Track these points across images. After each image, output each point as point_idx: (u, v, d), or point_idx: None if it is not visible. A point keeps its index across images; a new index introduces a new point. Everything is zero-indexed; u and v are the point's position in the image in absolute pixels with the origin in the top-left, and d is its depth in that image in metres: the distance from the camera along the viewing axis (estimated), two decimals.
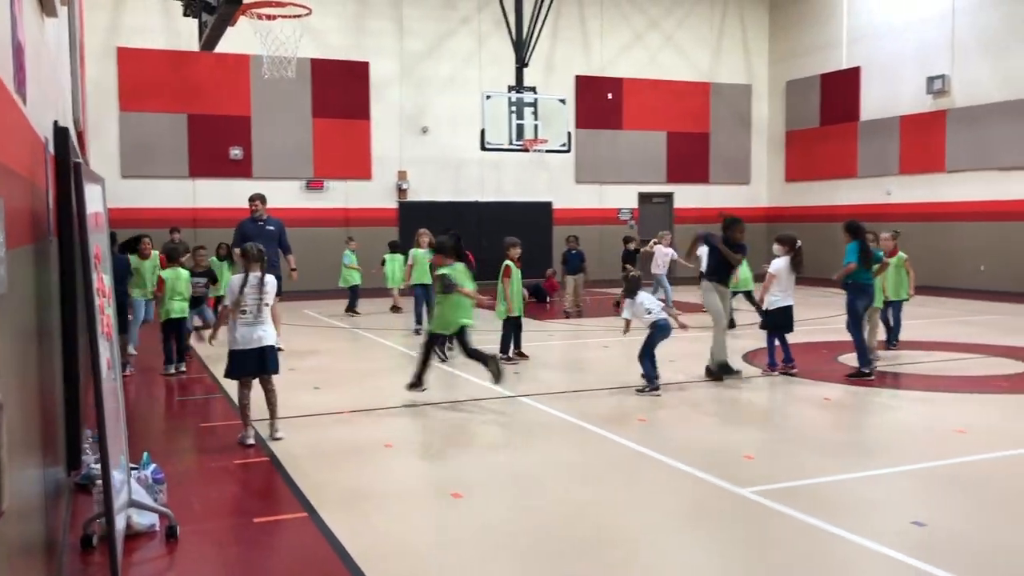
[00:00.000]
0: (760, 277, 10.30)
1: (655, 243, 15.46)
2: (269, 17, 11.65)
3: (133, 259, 10.75)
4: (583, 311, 15.50)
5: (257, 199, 11.36)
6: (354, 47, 21.52)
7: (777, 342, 9.52)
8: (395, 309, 16.39)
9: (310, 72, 20.77)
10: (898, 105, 21.54)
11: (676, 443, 6.73)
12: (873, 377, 9.26)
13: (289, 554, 4.67)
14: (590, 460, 6.38)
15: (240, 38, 17.04)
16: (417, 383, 8.36)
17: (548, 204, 23.35)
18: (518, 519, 5.14)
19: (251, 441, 6.72)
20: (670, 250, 15.35)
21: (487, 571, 4.37)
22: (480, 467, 6.24)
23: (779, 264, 9.37)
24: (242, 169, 20.55)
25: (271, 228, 11.20)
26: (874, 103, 22.25)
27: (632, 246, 15.78)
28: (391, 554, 4.58)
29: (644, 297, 8.78)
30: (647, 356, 8.54)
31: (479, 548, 4.65)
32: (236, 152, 20.47)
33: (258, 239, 9.97)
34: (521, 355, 10.72)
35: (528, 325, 13.99)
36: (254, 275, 6.71)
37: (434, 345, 8.81)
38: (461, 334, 8.50)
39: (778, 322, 9.43)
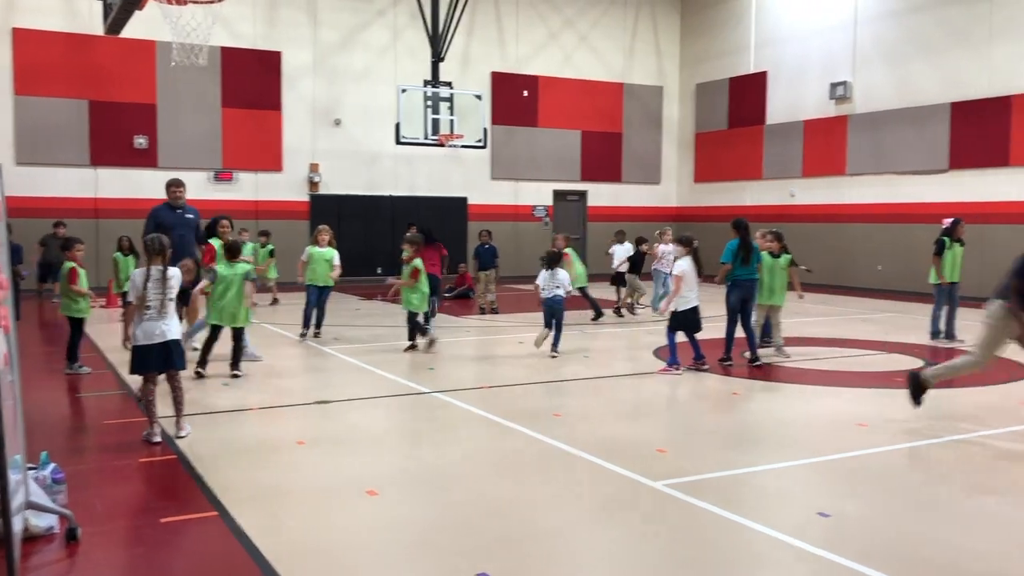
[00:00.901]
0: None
1: (657, 243, 15.30)
2: (179, 2, 11.26)
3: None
4: (497, 307, 15.53)
5: (178, 186, 10.44)
6: (266, 36, 21.07)
7: (684, 339, 9.70)
8: (275, 302, 16.66)
9: (220, 61, 20.25)
10: (802, 110, 22.26)
11: (591, 437, 6.80)
12: (732, 365, 9.82)
13: (198, 555, 4.53)
14: (506, 456, 6.39)
15: (147, 23, 16.53)
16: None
17: (463, 200, 23.32)
18: (434, 515, 5.11)
19: (157, 439, 6.51)
20: (671, 246, 15.00)
21: (402, 568, 4.34)
22: (395, 464, 6.18)
23: (684, 265, 9.55)
24: (147, 159, 19.91)
25: (190, 216, 10.37)
26: (779, 107, 22.94)
27: (644, 248, 15.26)
28: (305, 552, 4.50)
29: (545, 276, 10.67)
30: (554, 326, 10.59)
31: (394, 545, 4.60)
32: (141, 141, 19.80)
33: (177, 228, 9.59)
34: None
35: (444, 321, 13.96)
36: (156, 268, 6.48)
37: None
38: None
39: (688, 322, 9.63)
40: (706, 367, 9.60)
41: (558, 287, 10.59)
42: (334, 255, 11.74)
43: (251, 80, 20.80)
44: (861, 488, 5.61)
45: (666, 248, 14.75)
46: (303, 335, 11.79)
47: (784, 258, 10.75)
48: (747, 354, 10.01)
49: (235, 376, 9.06)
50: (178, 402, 6.73)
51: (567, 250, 12.98)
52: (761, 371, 9.81)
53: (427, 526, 4.91)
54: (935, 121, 19.14)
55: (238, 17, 20.45)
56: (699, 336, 9.74)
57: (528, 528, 4.84)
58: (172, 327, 6.55)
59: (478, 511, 5.17)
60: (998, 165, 18.08)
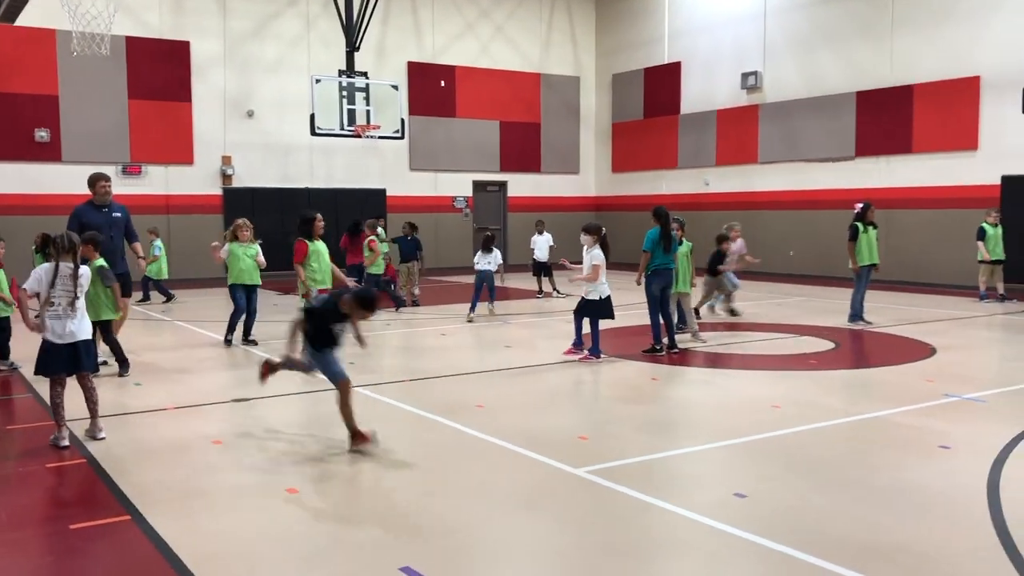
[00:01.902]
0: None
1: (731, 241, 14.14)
2: None
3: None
4: (418, 300, 15.44)
5: (104, 180, 9.37)
6: (173, 26, 20.45)
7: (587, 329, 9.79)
8: (169, 299, 16.25)
9: (125, 50, 19.60)
10: (715, 99, 22.71)
11: (514, 427, 6.82)
12: (663, 353, 9.96)
13: (111, 561, 4.39)
14: (428, 448, 6.37)
15: (46, 11, 15.88)
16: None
17: (382, 191, 23.10)
18: (354, 511, 5.05)
19: (65, 443, 6.27)
20: (740, 242, 14.44)
21: (324, 566, 4.28)
22: (315, 460, 6.09)
23: (600, 254, 9.63)
24: (49, 152, 19.15)
25: (118, 215, 9.48)
26: (693, 97, 23.35)
27: (724, 246, 13.27)
28: (223, 554, 4.40)
29: (481, 257, 13.55)
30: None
31: (314, 543, 4.54)
32: (42, 134, 19.03)
33: (105, 230, 8.96)
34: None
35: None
36: (66, 266, 6.24)
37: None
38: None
39: (602, 310, 9.69)
40: (599, 361, 9.64)
41: (489, 263, 13.57)
42: (257, 250, 11.04)
43: (159, 71, 20.17)
44: (775, 468, 5.76)
45: (736, 246, 13.86)
46: (228, 341, 10.92)
47: (686, 245, 11.12)
48: (665, 341, 10.18)
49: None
50: (92, 404, 6.51)
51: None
52: (679, 357, 9.99)
53: (348, 523, 4.85)
54: (842, 110, 19.76)
55: (143, 6, 19.82)
56: (608, 324, 9.82)
57: (450, 521, 4.83)
58: (82, 327, 6.32)
59: (399, 505, 5.14)
60: (902, 152, 18.77)
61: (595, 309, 9.69)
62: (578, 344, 9.82)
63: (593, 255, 9.66)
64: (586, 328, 9.78)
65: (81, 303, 6.32)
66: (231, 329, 11.03)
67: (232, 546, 4.50)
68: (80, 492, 5.51)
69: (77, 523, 4.81)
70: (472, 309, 13.33)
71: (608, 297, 9.65)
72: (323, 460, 6.09)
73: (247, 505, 5.14)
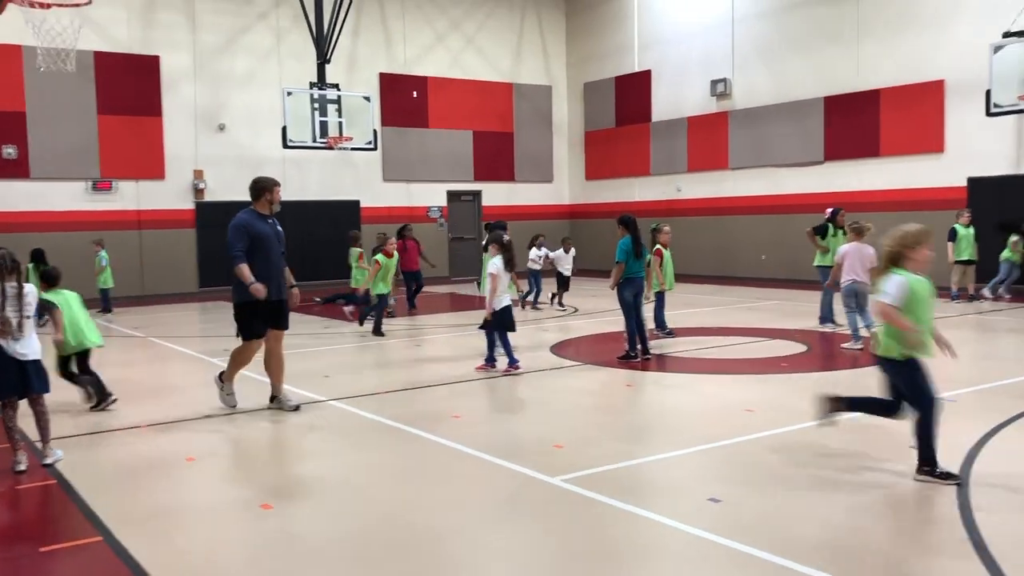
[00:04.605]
0: None
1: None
2: (43, 5, 10.76)
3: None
4: (393, 311, 15.40)
5: (277, 185, 7.93)
6: (142, 40, 20.31)
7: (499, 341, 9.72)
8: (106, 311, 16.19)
9: (94, 65, 19.45)
10: (685, 107, 22.88)
11: (490, 437, 6.83)
12: (638, 360, 9.98)
13: None
14: (405, 461, 6.35)
15: (11, 27, 15.73)
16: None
17: (356, 203, 23.05)
18: (332, 527, 5.03)
19: (22, 467, 6.07)
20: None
21: None
22: (290, 476, 6.06)
23: (499, 263, 9.54)
24: (17, 169, 18.94)
25: (280, 229, 8.02)
26: (664, 105, 23.52)
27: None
28: (197, 573, 4.37)
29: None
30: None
31: (290, 559, 4.51)
32: (9, 151, 18.83)
33: (275, 245, 7.82)
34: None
35: (343, 327, 13.77)
36: (11, 286, 6.08)
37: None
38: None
39: (503, 321, 9.60)
40: (519, 370, 9.52)
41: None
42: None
43: (128, 85, 20.02)
44: (751, 472, 5.81)
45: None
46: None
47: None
48: (639, 347, 10.22)
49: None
50: (43, 428, 6.29)
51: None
52: (654, 363, 10.04)
53: (324, 537, 4.83)
54: (810, 115, 19.98)
55: (111, 20, 19.67)
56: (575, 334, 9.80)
57: (426, 532, 4.82)
58: (31, 348, 6.17)
59: (377, 519, 5.13)
60: (869, 156, 19.00)
61: (497, 320, 9.56)
62: (490, 360, 9.66)
63: (491, 264, 9.59)
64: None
65: (30, 323, 6.17)
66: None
67: (207, 564, 4.47)
68: (50, 513, 5.45)
69: (47, 545, 4.76)
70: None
71: (507, 307, 9.56)
72: (298, 475, 6.06)
73: (222, 523, 5.11)
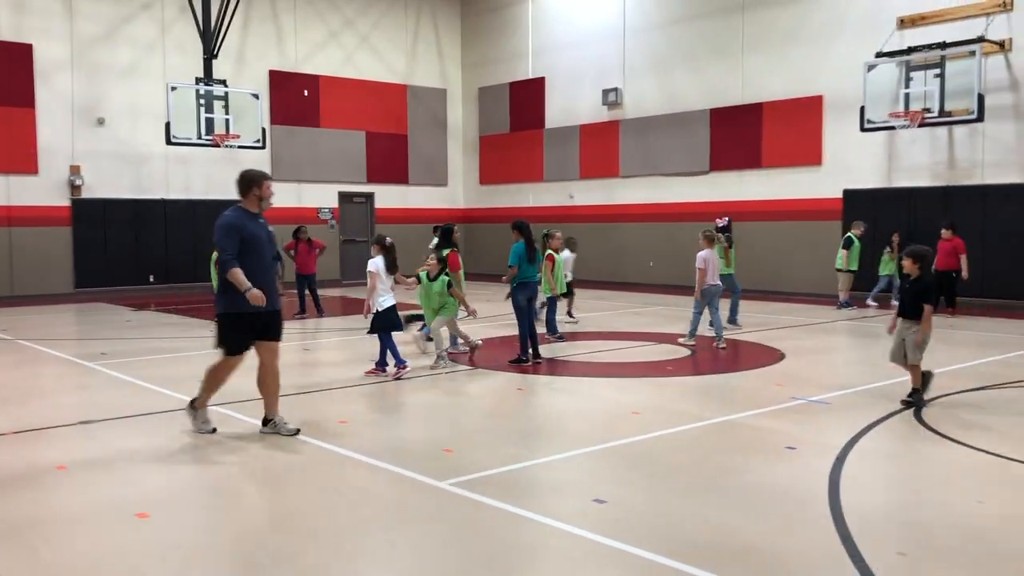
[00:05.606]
0: None
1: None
2: None
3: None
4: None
5: (268, 179, 7.84)
6: (13, 27, 19.26)
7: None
8: None
9: None
10: (578, 115, 23.22)
11: (378, 442, 6.75)
12: (529, 363, 10.13)
13: None
14: (289, 467, 6.21)
15: None
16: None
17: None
18: (210, 535, 4.87)
19: None
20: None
21: None
22: (167, 483, 5.84)
23: (380, 263, 9.50)
24: None
25: (271, 229, 7.83)
26: (557, 112, 23.81)
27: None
28: None
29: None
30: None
31: (166, 569, 4.34)
32: None
33: (268, 248, 7.40)
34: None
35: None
36: None
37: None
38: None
39: (388, 321, 9.54)
40: (406, 373, 9.47)
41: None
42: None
43: None
44: (635, 473, 5.92)
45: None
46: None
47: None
48: (530, 351, 10.30)
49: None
50: None
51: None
52: (544, 366, 10.13)
53: (202, 546, 4.67)
54: (697, 126, 20.57)
55: None
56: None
57: (310, 540, 4.72)
58: None
59: (257, 527, 4.99)
60: (752, 167, 19.70)
61: (380, 321, 9.48)
62: (399, 362, 9.53)
63: (371, 263, 9.52)
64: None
65: None
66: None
67: None
68: None
69: None
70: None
71: (392, 307, 9.49)
72: (174, 483, 5.84)
73: (93, 533, 4.87)
